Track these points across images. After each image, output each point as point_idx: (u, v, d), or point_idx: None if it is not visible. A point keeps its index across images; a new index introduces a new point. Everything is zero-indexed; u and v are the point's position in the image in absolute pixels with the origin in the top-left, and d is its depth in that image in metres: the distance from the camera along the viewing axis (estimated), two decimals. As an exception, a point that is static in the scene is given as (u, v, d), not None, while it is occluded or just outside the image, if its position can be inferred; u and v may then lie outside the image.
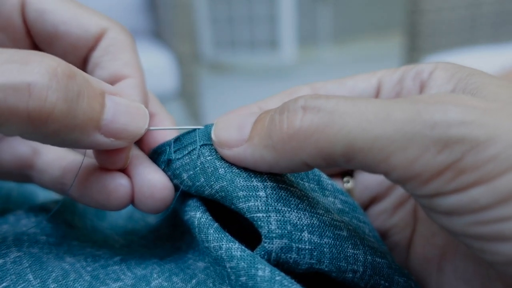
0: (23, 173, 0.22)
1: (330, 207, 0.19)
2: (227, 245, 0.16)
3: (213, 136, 0.18)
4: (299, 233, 0.16)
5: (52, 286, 0.17)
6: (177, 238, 0.24)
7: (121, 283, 0.18)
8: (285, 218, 0.16)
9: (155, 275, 0.19)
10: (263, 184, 0.17)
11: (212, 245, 0.17)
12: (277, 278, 0.15)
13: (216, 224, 0.18)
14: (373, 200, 0.22)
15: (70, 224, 0.23)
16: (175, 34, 1.38)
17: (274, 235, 0.16)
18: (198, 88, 1.54)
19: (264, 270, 0.15)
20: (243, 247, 0.16)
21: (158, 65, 1.36)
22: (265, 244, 0.16)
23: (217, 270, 0.18)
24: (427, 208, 0.14)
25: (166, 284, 0.19)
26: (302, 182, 0.19)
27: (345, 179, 0.23)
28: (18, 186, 0.30)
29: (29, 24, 0.20)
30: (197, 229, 0.18)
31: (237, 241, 0.17)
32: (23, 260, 0.18)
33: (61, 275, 0.18)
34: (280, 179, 0.18)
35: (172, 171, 0.20)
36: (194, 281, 0.19)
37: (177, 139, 0.20)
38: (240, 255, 0.16)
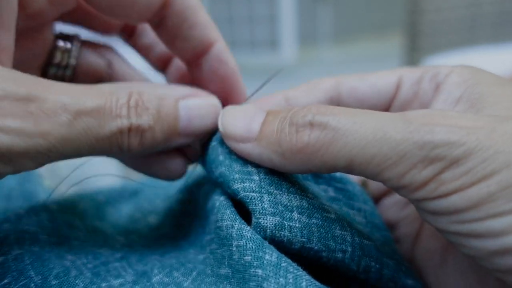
0: None
1: (320, 194, 0.20)
2: (240, 226, 0.17)
3: (220, 126, 0.19)
4: (289, 213, 0.18)
5: (54, 283, 0.17)
6: (179, 237, 0.24)
7: (122, 280, 0.18)
8: (277, 200, 0.18)
9: (156, 271, 0.19)
10: (257, 170, 0.18)
11: (225, 223, 0.18)
12: (283, 264, 0.16)
13: (233, 209, 0.19)
14: (386, 192, 0.24)
15: (71, 224, 0.23)
16: (175, 34, 1.37)
17: (267, 212, 0.17)
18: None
19: (271, 255, 0.16)
20: (254, 232, 0.17)
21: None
22: (260, 220, 0.17)
23: (217, 255, 0.18)
24: (418, 208, 0.16)
25: (167, 279, 0.19)
26: None
27: None
28: (19, 186, 0.30)
29: None
30: (216, 209, 0.19)
31: (249, 226, 0.17)
32: (25, 257, 0.18)
33: (62, 272, 0.18)
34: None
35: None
36: (194, 273, 0.19)
37: None
38: (250, 237, 0.17)
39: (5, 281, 0.17)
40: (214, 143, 0.20)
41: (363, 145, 0.15)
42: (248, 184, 0.18)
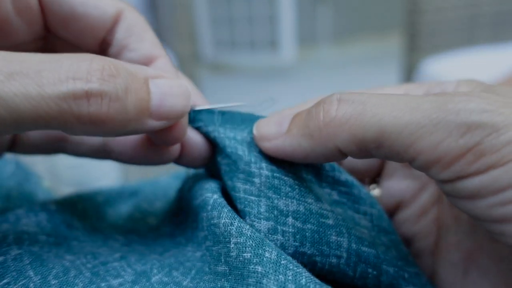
0: (55, 146, 0.22)
1: (323, 198, 0.20)
2: (239, 224, 0.17)
3: (254, 131, 0.20)
4: (284, 218, 0.18)
5: (53, 282, 0.17)
6: (177, 234, 0.24)
7: (121, 279, 0.18)
8: (273, 204, 0.18)
9: (155, 271, 0.19)
10: (259, 172, 0.19)
11: (223, 221, 0.18)
12: (283, 261, 0.16)
13: (230, 208, 0.19)
14: (397, 207, 0.23)
15: (70, 224, 0.23)
16: (175, 34, 1.38)
17: (262, 216, 0.18)
18: (198, 88, 1.54)
19: (271, 253, 0.16)
20: (253, 230, 0.17)
21: (158, 65, 1.36)
22: (255, 223, 0.18)
23: (213, 253, 0.18)
24: (451, 194, 0.15)
25: (166, 279, 0.19)
26: (299, 173, 0.20)
27: (372, 186, 0.24)
28: (18, 186, 0.30)
29: (46, 7, 0.20)
30: (210, 207, 0.19)
31: (248, 225, 0.18)
32: (24, 257, 0.18)
33: (62, 272, 0.18)
34: (276, 169, 0.19)
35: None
36: (193, 271, 0.19)
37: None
38: (250, 235, 0.17)
39: (4, 281, 0.17)
40: (222, 135, 0.21)
41: (394, 114, 0.14)
42: (248, 187, 0.18)
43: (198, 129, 0.21)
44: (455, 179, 0.14)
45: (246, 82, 2.41)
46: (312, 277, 0.16)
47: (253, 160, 0.19)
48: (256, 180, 0.19)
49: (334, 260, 0.18)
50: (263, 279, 0.15)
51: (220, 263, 0.18)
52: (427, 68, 1.20)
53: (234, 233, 0.17)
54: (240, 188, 0.19)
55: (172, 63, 0.22)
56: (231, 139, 0.20)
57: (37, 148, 0.22)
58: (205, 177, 0.23)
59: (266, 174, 0.19)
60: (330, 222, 0.18)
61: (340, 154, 0.17)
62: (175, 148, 0.21)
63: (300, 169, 0.20)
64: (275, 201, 0.18)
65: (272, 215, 0.18)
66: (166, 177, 0.34)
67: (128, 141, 0.21)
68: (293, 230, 0.18)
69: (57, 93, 0.14)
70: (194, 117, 0.22)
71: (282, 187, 0.19)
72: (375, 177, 0.24)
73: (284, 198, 0.18)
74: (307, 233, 0.18)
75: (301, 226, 0.18)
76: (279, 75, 2.50)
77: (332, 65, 2.71)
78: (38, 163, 0.37)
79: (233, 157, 0.20)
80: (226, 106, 0.21)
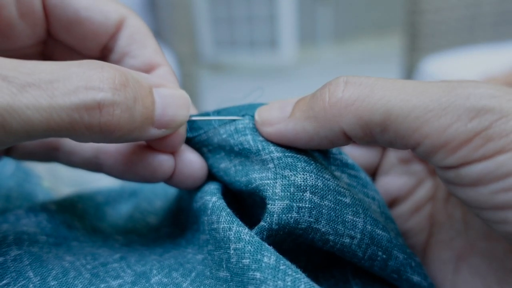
0: (48, 154, 0.22)
1: (339, 177, 0.20)
2: (237, 228, 0.17)
3: (256, 116, 0.19)
4: (301, 193, 0.17)
5: (52, 284, 0.17)
6: (177, 235, 0.24)
7: (121, 280, 0.18)
8: (290, 182, 0.17)
9: (154, 271, 0.19)
10: (270, 157, 0.18)
11: (222, 226, 0.18)
12: (282, 267, 0.16)
13: (229, 210, 0.18)
14: (391, 203, 0.23)
15: (70, 225, 0.23)
16: (175, 34, 1.38)
17: (277, 197, 0.17)
18: (198, 88, 1.54)
19: (270, 258, 0.16)
20: (252, 233, 0.17)
21: (158, 65, 1.36)
22: (268, 206, 0.17)
23: (214, 257, 0.18)
24: (453, 182, 0.15)
25: (166, 280, 0.19)
26: (310, 153, 0.20)
27: None
28: (18, 186, 0.30)
29: (49, 10, 0.20)
30: (209, 211, 0.19)
31: (247, 228, 0.17)
32: (23, 258, 0.18)
33: (61, 273, 0.18)
34: (286, 149, 0.19)
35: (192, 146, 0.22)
36: (193, 274, 0.19)
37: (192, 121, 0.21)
38: (249, 239, 0.17)
39: (4, 281, 0.17)
40: (224, 135, 0.20)
41: (402, 97, 0.14)
42: (265, 174, 0.18)
43: (198, 137, 0.21)
44: (460, 165, 0.14)
45: (246, 82, 2.40)
46: (311, 282, 0.15)
47: (260, 147, 0.19)
48: (270, 165, 0.18)
49: (347, 240, 0.18)
50: (262, 286, 0.15)
51: (222, 269, 0.18)
52: (427, 67, 1.20)
53: (232, 238, 0.17)
54: (256, 178, 0.18)
55: (173, 71, 0.22)
56: (233, 134, 0.20)
57: (31, 155, 0.22)
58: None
59: (278, 156, 0.18)
60: (347, 200, 0.18)
61: (345, 138, 0.16)
62: (168, 165, 0.20)
63: (308, 151, 0.20)
64: (292, 177, 0.17)
65: (288, 193, 0.17)
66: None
67: (119, 156, 0.21)
68: (309, 206, 0.17)
69: (69, 104, 0.14)
70: (191, 127, 0.21)
71: (298, 163, 0.18)
72: (371, 174, 0.24)
73: (301, 173, 0.18)
74: (323, 210, 0.17)
75: (318, 201, 0.17)
76: (279, 74, 2.50)
77: (332, 64, 2.71)
78: (38, 164, 0.37)
79: (243, 153, 0.19)
80: (220, 118, 0.21)
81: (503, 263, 0.18)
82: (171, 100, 0.18)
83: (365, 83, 0.15)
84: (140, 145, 0.21)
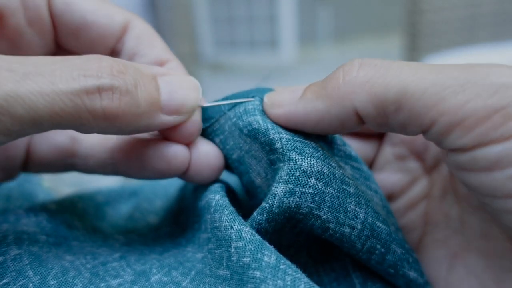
0: (65, 162, 0.22)
1: (344, 167, 0.20)
2: (239, 227, 0.17)
3: (265, 99, 0.19)
4: (306, 179, 0.17)
5: (52, 283, 0.17)
6: (178, 234, 0.24)
7: (120, 280, 0.18)
8: (296, 166, 0.17)
9: (154, 270, 0.19)
10: (279, 136, 0.18)
11: (223, 224, 0.18)
12: (282, 266, 0.16)
13: (232, 208, 0.18)
14: (387, 199, 0.23)
15: (70, 224, 0.23)
16: (175, 34, 1.38)
17: (281, 180, 0.17)
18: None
19: (270, 257, 0.16)
20: (253, 232, 0.17)
21: (158, 65, 1.36)
22: (272, 188, 0.17)
23: (215, 256, 0.18)
24: (466, 167, 0.14)
25: (166, 279, 0.19)
26: (316, 141, 0.20)
27: None
28: (18, 186, 0.30)
29: (56, 16, 0.20)
30: (212, 209, 0.19)
31: (248, 226, 0.17)
32: (23, 257, 0.18)
33: (61, 272, 0.18)
34: (294, 133, 0.18)
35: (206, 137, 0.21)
36: (193, 272, 0.19)
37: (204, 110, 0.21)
38: (250, 238, 0.17)
39: (4, 281, 0.17)
40: (234, 119, 0.20)
41: (418, 75, 0.14)
42: (273, 157, 0.18)
43: (211, 127, 0.21)
44: (476, 145, 0.13)
45: (246, 82, 2.40)
46: (311, 282, 0.15)
47: (270, 126, 0.18)
48: (278, 145, 0.18)
49: (347, 230, 0.18)
50: (262, 285, 0.15)
51: (222, 267, 0.18)
52: (427, 67, 1.20)
53: (233, 237, 0.17)
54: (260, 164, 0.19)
55: (182, 66, 0.22)
56: (242, 115, 0.19)
57: (49, 166, 0.22)
58: None
59: (287, 137, 0.18)
60: (351, 190, 0.18)
61: (356, 119, 0.16)
62: (183, 156, 0.20)
63: (314, 139, 0.20)
64: (299, 162, 0.17)
65: (293, 177, 0.17)
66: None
67: (133, 152, 0.21)
68: (313, 191, 0.17)
69: (70, 90, 0.15)
70: (203, 118, 0.21)
71: (306, 148, 0.18)
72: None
73: (309, 158, 0.17)
74: (326, 197, 0.17)
75: (322, 188, 0.17)
76: (279, 74, 2.50)
77: (332, 64, 2.70)
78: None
79: (252, 134, 0.19)
80: (231, 102, 0.20)
81: (500, 262, 0.18)
82: (177, 85, 0.18)
83: (380, 64, 0.15)
84: (154, 139, 0.21)
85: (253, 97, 0.20)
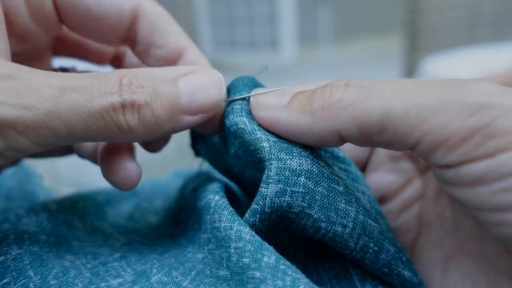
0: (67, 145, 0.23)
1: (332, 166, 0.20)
2: (238, 227, 0.17)
3: (251, 98, 0.19)
4: (295, 178, 0.17)
5: (53, 283, 0.17)
6: (178, 234, 0.24)
7: (121, 280, 0.18)
8: (285, 165, 0.17)
9: (154, 270, 0.19)
10: (267, 137, 0.18)
11: (223, 224, 0.18)
12: (281, 267, 0.16)
13: (231, 209, 0.18)
14: (379, 201, 0.23)
15: (70, 224, 0.23)
16: (175, 34, 1.38)
17: (271, 180, 0.17)
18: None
19: (269, 257, 0.16)
20: (253, 232, 0.17)
21: (158, 65, 1.36)
22: (262, 189, 0.17)
23: (215, 256, 0.18)
24: (451, 182, 0.15)
25: (166, 279, 0.19)
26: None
27: None
28: (19, 186, 0.30)
29: (62, 11, 0.20)
30: (212, 210, 0.19)
31: (248, 227, 0.17)
32: (24, 257, 0.18)
33: (61, 272, 0.18)
34: (281, 138, 0.18)
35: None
36: (193, 272, 0.19)
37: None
38: (249, 239, 0.17)
39: (4, 280, 0.17)
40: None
41: (401, 97, 0.14)
42: (261, 155, 0.18)
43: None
44: (460, 163, 0.14)
45: (246, 82, 2.40)
46: (310, 283, 0.15)
47: (256, 127, 0.18)
48: (265, 144, 0.18)
49: (339, 229, 0.18)
50: (261, 285, 0.15)
51: (222, 267, 0.18)
52: (428, 67, 1.20)
53: (233, 237, 0.17)
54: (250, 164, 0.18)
55: (200, 53, 0.22)
56: (233, 113, 0.19)
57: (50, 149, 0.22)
58: (209, 176, 0.23)
59: (274, 139, 0.18)
60: (341, 189, 0.18)
61: (338, 139, 0.16)
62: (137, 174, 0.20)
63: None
64: (288, 161, 0.17)
65: (283, 177, 0.17)
66: (166, 176, 0.34)
67: (104, 157, 0.21)
68: (303, 190, 0.17)
69: (101, 107, 0.16)
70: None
71: (294, 148, 0.18)
72: (359, 170, 0.24)
73: (297, 157, 0.17)
74: (317, 196, 0.17)
75: (312, 187, 0.17)
76: (279, 74, 2.50)
77: (332, 64, 2.71)
78: (39, 164, 0.37)
79: (237, 133, 0.19)
80: (255, 94, 0.20)
81: (494, 265, 0.17)
82: (198, 84, 0.18)
83: (364, 85, 0.15)
84: (114, 152, 0.20)
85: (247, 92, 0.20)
